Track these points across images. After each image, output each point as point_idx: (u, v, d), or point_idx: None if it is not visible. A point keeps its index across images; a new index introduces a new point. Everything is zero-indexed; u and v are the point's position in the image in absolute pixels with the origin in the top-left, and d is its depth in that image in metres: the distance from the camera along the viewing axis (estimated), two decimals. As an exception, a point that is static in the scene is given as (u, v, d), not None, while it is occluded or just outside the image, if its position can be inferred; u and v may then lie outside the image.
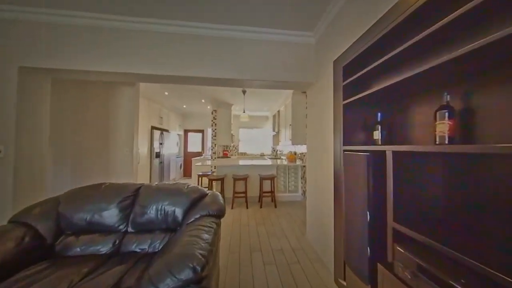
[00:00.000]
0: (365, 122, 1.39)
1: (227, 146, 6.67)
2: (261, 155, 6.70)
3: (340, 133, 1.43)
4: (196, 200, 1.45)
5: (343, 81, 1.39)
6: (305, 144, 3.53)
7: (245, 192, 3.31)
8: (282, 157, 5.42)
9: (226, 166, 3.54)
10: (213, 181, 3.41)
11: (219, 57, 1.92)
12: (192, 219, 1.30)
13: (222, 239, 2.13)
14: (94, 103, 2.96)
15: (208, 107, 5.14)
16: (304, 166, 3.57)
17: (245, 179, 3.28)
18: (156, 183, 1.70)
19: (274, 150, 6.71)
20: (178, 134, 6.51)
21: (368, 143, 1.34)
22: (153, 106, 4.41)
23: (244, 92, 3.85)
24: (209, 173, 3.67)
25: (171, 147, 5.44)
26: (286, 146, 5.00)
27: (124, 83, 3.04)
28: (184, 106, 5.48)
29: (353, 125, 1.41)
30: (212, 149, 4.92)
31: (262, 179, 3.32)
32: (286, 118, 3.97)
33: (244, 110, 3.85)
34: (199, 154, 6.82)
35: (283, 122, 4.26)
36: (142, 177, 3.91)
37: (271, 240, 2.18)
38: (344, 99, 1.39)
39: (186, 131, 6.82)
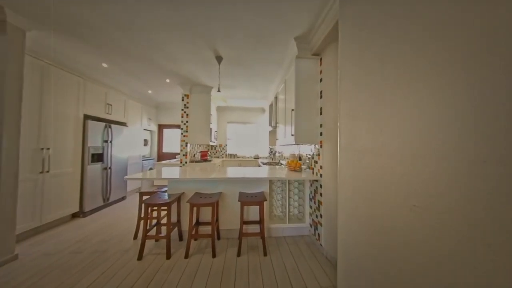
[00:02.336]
0: None
1: (211, 146, 5.25)
2: (255, 158, 5.27)
3: None
4: None
5: None
6: (315, 144, 2.08)
7: (213, 226, 1.89)
8: (282, 161, 3.98)
9: (183, 180, 2.10)
10: (157, 209, 1.99)
11: None
12: None
13: None
14: None
15: (182, 91, 3.72)
16: (316, 180, 2.12)
17: (212, 204, 1.85)
18: None
19: (272, 152, 5.27)
20: (149, 130, 5.13)
21: None
22: (92, 87, 3.01)
23: (219, 60, 2.42)
24: (161, 191, 2.25)
25: (133, 146, 4.06)
26: (286, 146, 3.57)
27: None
28: (150, 92, 4.09)
29: None
30: (181, 151, 3.51)
31: (243, 204, 1.89)
32: (286, 103, 2.53)
33: (219, 88, 2.42)
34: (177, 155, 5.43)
35: (282, 111, 2.82)
36: (64, 194, 2.52)
37: None
38: None
39: (161, 127, 5.43)
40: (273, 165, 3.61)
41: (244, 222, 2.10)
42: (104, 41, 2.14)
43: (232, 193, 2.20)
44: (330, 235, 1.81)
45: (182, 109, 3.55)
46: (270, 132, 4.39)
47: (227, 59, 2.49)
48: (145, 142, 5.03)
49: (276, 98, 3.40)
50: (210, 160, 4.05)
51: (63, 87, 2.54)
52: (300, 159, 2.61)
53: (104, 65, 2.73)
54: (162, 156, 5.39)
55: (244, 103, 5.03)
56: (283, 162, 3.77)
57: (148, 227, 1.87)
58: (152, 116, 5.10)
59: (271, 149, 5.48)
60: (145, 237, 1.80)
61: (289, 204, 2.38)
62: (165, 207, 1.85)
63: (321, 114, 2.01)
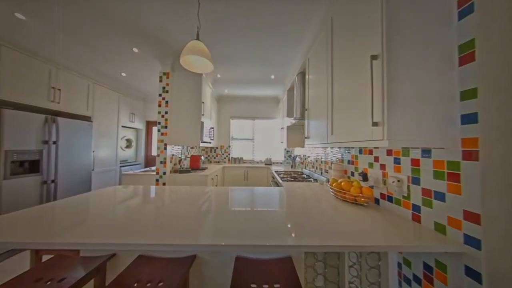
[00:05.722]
0: None
1: (210, 148, 4.11)
2: (266, 164, 4.03)
3: None
4: None
5: None
6: (445, 146, 0.74)
7: None
8: (306, 169, 2.72)
9: (97, 245, 0.88)
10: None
11: None
12: None
13: None
14: None
15: (161, 68, 2.59)
16: (445, 252, 0.81)
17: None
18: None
19: (291, 156, 4.02)
20: (133, 128, 4.11)
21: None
22: (17, 58, 1.97)
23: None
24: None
25: (103, 149, 3.03)
26: (322, 147, 2.32)
27: None
28: (124, 74, 3.02)
29: None
30: (158, 156, 2.37)
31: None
32: (319, 71, 1.26)
33: (197, 35, 1.23)
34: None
35: (314, 93, 1.54)
36: None
37: None
38: None
39: (150, 124, 4.40)
40: (296, 179, 2.35)
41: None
42: None
43: (221, 259, 0.98)
44: None
45: (160, 94, 2.41)
46: (288, 128, 3.12)
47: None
48: (128, 143, 4.01)
49: (303, 73, 2.14)
50: (204, 169, 2.89)
51: None
52: (365, 178, 1.31)
53: (19, 16, 1.65)
54: (151, 161, 4.35)
55: (250, 91, 3.82)
56: (307, 171, 2.48)
57: None
58: (138, 111, 4.07)
59: (287, 151, 4.22)
60: None
61: (349, 283, 1.10)
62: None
63: (464, 63, 0.71)
